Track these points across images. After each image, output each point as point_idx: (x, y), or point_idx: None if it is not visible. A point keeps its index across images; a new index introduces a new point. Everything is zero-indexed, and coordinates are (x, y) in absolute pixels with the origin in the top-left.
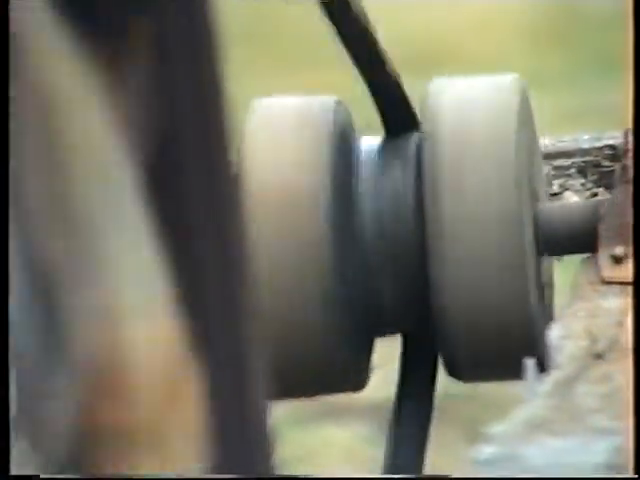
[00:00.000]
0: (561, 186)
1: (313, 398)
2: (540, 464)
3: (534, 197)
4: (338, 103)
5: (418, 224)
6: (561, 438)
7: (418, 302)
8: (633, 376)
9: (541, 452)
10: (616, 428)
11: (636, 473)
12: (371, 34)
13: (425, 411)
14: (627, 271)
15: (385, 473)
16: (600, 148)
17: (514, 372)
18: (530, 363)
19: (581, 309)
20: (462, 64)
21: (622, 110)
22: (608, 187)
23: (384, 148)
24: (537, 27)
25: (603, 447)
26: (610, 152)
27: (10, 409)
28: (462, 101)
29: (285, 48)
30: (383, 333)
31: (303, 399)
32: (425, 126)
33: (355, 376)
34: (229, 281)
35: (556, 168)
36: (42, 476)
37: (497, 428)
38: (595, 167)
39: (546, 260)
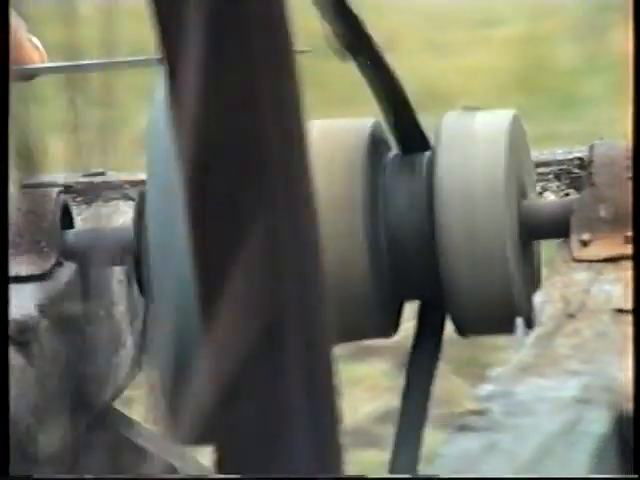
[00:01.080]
0: (542, 188)
1: (355, 342)
2: (528, 399)
3: (523, 196)
4: (376, 121)
5: (429, 218)
6: (543, 378)
7: (431, 277)
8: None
9: (528, 389)
10: (584, 370)
11: (636, 473)
12: (387, 66)
13: (435, 356)
14: (592, 252)
15: (402, 401)
16: (571, 159)
17: (508, 328)
18: (519, 321)
19: (557, 281)
20: (455, 103)
21: (572, 136)
22: (577, 189)
23: (402, 161)
24: (510, 76)
25: (574, 384)
26: (578, 162)
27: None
28: (467, 129)
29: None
30: (407, 299)
31: (346, 343)
32: (436, 146)
33: (387, 328)
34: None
35: (538, 174)
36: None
37: (494, 371)
38: (567, 174)
39: (534, 244)
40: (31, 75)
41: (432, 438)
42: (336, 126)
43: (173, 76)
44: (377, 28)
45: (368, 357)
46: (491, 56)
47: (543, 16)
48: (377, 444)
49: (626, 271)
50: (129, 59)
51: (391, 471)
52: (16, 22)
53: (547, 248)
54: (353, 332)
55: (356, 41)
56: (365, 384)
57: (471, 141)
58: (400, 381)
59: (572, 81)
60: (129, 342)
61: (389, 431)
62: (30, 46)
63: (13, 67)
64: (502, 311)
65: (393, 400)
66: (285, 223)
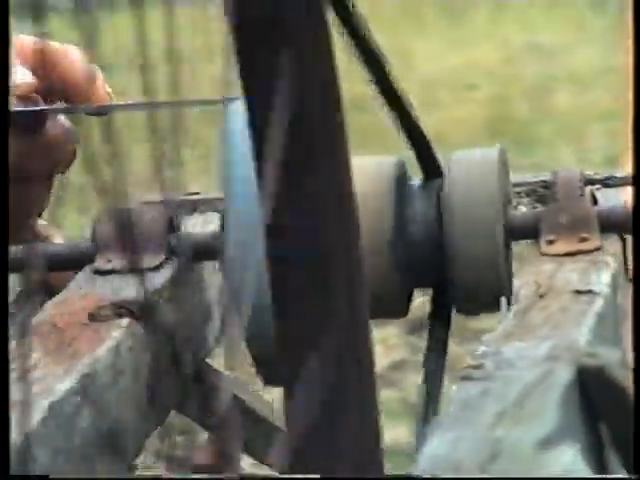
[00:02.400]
0: (517, 202)
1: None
2: (511, 357)
3: (507, 209)
4: (398, 159)
5: (439, 226)
6: (522, 342)
7: (440, 271)
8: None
9: (511, 350)
10: (552, 335)
11: (636, 473)
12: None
13: (446, 328)
14: (555, 249)
15: (425, 362)
16: (537, 182)
17: (495, 306)
18: (503, 300)
19: (530, 270)
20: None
21: (529, 167)
22: (543, 203)
23: (421, 186)
24: (483, 125)
25: (545, 346)
26: (543, 184)
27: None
28: (468, 159)
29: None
30: (419, 287)
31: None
32: (446, 174)
33: (403, 310)
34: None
35: (514, 193)
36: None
37: (485, 336)
38: (534, 192)
39: (510, 243)
40: (104, 113)
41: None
42: (367, 162)
43: (253, 112)
44: None
45: (383, 325)
46: (469, 111)
47: (507, 83)
48: (393, 386)
49: (580, 263)
50: (200, 99)
51: (421, 411)
52: (92, 68)
53: (521, 246)
54: (376, 312)
55: (390, 91)
56: (382, 344)
57: (470, 167)
58: (407, 340)
59: (527, 128)
60: (216, 315)
61: (402, 376)
62: (104, 89)
63: (88, 105)
64: (492, 294)
65: (403, 354)
66: (335, 225)
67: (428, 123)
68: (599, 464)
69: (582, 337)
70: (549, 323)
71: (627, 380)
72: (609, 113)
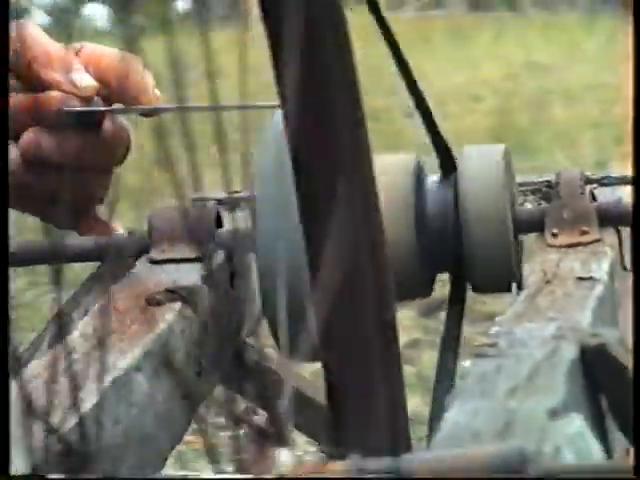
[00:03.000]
0: (524, 200)
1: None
2: (522, 336)
3: (513, 203)
4: (416, 157)
5: (455, 216)
6: (531, 322)
7: (457, 256)
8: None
9: (522, 330)
10: (558, 317)
11: (636, 473)
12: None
13: (462, 308)
14: (559, 241)
15: (443, 339)
16: (542, 182)
17: (507, 289)
18: (514, 286)
19: (537, 259)
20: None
21: (529, 169)
22: (547, 200)
23: (438, 180)
24: (488, 133)
25: (552, 327)
26: (547, 184)
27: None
28: (479, 154)
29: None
30: (440, 271)
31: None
32: (460, 167)
33: (427, 291)
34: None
35: (520, 191)
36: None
37: (498, 317)
38: (539, 191)
39: (519, 236)
40: (152, 113)
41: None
42: (389, 159)
43: (288, 119)
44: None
45: (399, 308)
46: (475, 121)
47: (508, 96)
48: (408, 362)
49: (581, 253)
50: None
51: (436, 387)
52: (140, 67)
53: (529, 239)
54: (404, 294)
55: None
56: (398, 325)
57: (481, 162)
58: (421, 322)
59: (526, 136)
60: (257, 299)
61: (417, 354)
62: (154, 92)
63: (139, 106)
64: (504, 278)
65: (417, 334)
66: (361, 214)
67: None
68: (601, 431)
69: (585, 319)
70: (555, 306)
71: (625, 357)
72: (598, 123)
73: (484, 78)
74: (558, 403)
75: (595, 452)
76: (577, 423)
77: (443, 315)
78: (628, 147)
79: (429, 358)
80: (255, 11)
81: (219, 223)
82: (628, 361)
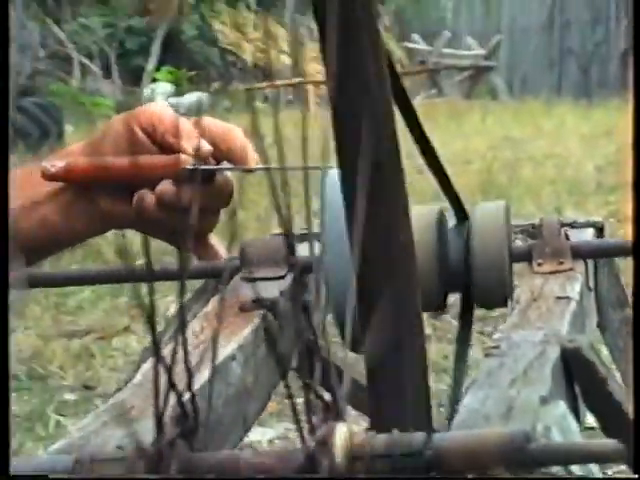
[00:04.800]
0: (515, 238)
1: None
2: (518, 340)
3: (510, 242)
4: (439, 208)
5: (466, 252)
6: (524, 330)
7: (467, 280)
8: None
9: (517, 336)
10: (544, 327)
11: (636, 473)
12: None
13: (470, 321)
14: (543, 269)
15: (457, 345)
16: (529, 224)
17: (503, 304)
18: (509, 300)
19: (525, 282)
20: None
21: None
22: (533, 238)
23: (455, 226)
24: (476, 188)
25: (540, 334)
26: (532, 226)
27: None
28: (485, 208)
29: None
30: (452, 291)
31: None
32: (472, 218)
33: (441, 306)
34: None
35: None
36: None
37: (499, 327)
38: (526, 231)
39: (512, 264)
40: (252, 171)
41: (472, 360)
42: (419, 209)
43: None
44: None
45: None
46: (467, 179)
47: (491, 161)
48: None
49: (559, 278)
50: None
51: (454, 379)
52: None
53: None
54: (426, 306)
55: (433, 159)
56: None
57: (487, 214)
58: (430, 322)
59: (503, 190)
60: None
61: (427, 345)
62: (253, 155)
63: (239, 166)
64: (501, 296)
65: (427, 330)
66: (400, 248)
67: (434, 188)
68: (576, 412)
69: (563, 328)
70: (541, 318)
71: (594, 357)
72: (555, 181)
73: (473, 148)
74: (546, 392)
75: (574, 429)
76: (561, 407)
77: (446, 317)
78: (577, 198)
79: (437, 349)
80: (311, 97)
81: (292, 251)
82: (596, 360)
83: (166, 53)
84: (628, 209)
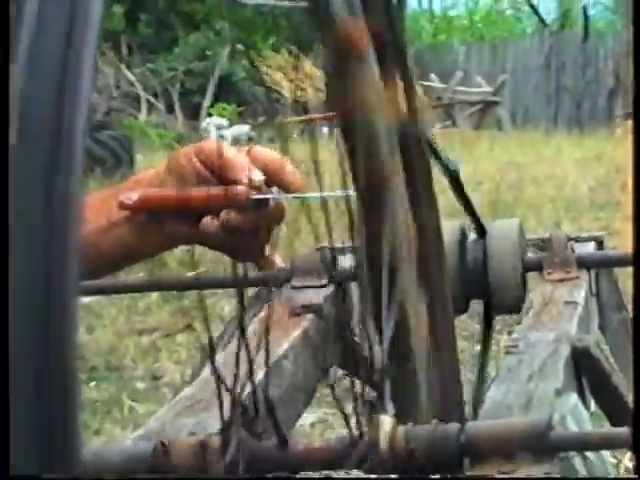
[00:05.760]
0: (527, 250)
1: None
2: (534, 340)
3: (524, 254)
4: (461, 223)
5: (484, 263)
6: (538, 332)
7: (487, 289)
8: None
9: (533, 336)
10: (555, 328)
11: (636, 473)
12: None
13: (491, 325)
14: (552, 277)
15: (481, 346)
16: (539, 238)
17: (518, 310)
18: (523, 307)
19: (537, 289)
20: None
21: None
22: (543, 250)
23: (474, 241)
24: (488, 206)
25: (552, 334)
26: (542, 240)
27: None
28: (502, 225)
29: None
30: (473, 297)
31: None
32: (489, 233)
33: (464, 309)
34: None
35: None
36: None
37: (516, 328)
38: (536, 245)
39: (525, 274)
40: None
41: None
42: (444, 225)
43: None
44: None
45: None
46: (477, 198)
47: (499, 182)
48: None
49: (567, 285)
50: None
51: (478, 377)
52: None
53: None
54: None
55: (456, 184)
56: None
57: (503, 229)
58: None
59: (510, 207)
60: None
61: None
62: (300, 179)
63: (291, 194)
64: (518, 303)
65: None
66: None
67: (454, 204)
68: (584, 403)
69: (572, 329)
70: (552, 321)
71: (600, 354)
72: (554, 199)
73: (483, 171)
74: (560, 385)
75: (585, 417)
76: (573, 398)
77: (461, 317)
78: (574, 214)
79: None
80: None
81: (334, 263)
82: (601, 357)
83: (220, 92)
84: (617, 224)
